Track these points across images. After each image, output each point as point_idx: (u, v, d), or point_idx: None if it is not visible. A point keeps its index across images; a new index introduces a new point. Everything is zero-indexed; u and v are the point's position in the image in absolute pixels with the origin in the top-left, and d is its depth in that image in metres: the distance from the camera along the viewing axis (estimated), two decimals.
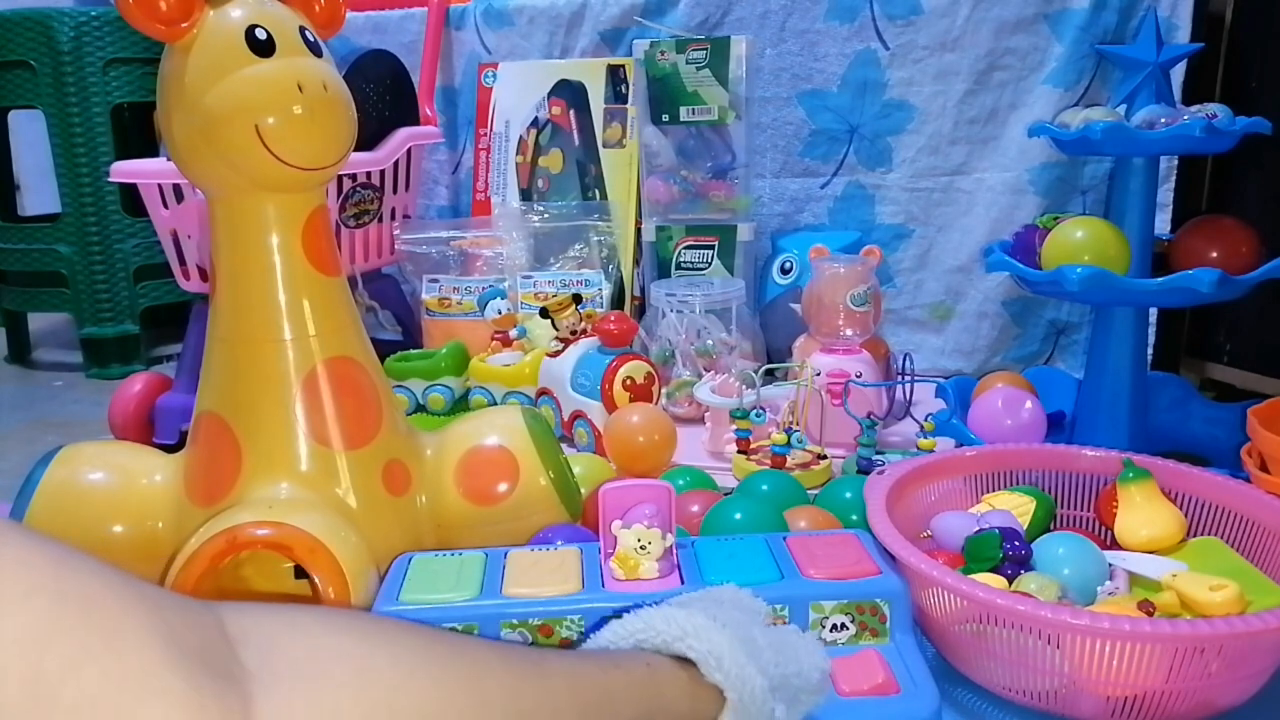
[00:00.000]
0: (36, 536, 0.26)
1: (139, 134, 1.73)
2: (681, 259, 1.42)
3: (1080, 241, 0.91)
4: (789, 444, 1.00)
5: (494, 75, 1.56)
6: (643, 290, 1.47)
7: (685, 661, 0.48)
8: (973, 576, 0.63)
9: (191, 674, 0.27)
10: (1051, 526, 0.76)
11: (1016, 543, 0.67)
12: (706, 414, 1.12)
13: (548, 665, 0.43)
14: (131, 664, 0.26)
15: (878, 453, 0.99)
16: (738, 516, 0.76)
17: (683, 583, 0.64)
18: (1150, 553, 0.71)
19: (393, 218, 1.44)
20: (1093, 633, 0.55)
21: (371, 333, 0.77)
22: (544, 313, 1.19)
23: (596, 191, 1.51)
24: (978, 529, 0.69)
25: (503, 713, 0.38)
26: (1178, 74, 1.21)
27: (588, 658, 0.48)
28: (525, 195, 1.54)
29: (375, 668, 0.34)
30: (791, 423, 1.05)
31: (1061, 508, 0.80)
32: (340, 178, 1.29)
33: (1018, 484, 0.80)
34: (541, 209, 1.49)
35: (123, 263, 1.61)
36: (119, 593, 0.27)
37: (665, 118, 1.39)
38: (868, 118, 1.40)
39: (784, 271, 1.40)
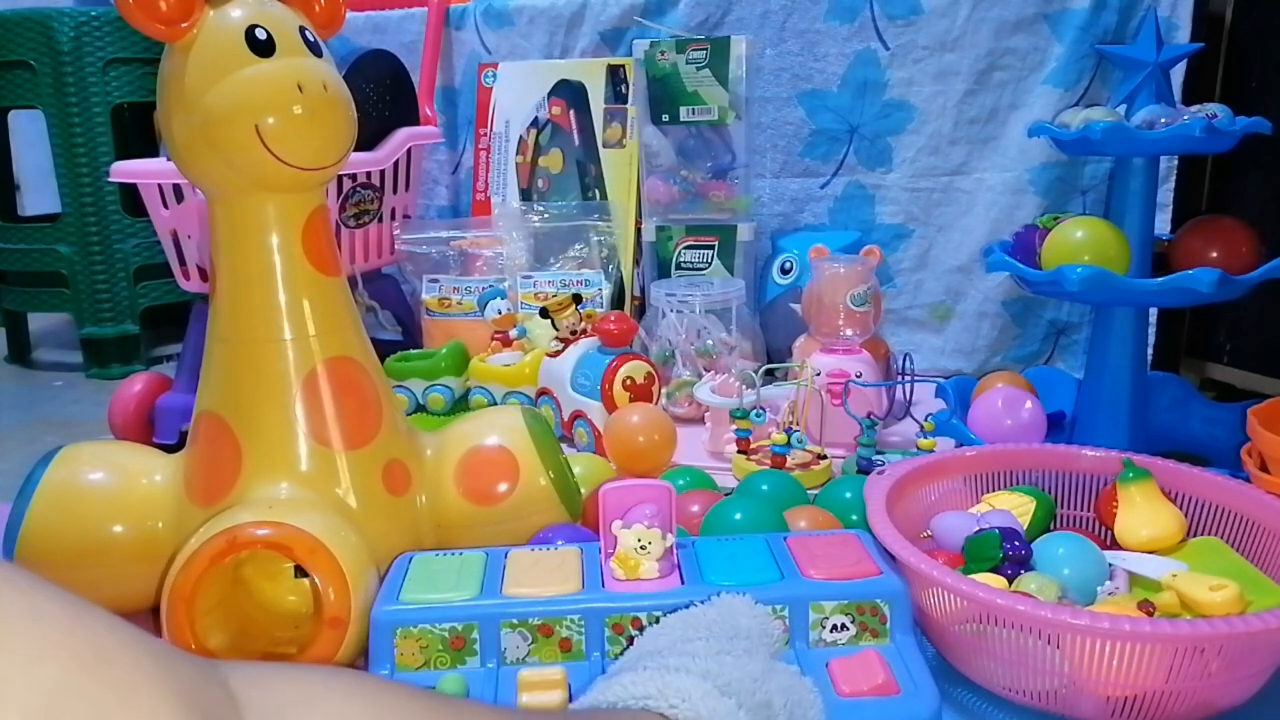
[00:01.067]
0: (50, 588, 0.26)
1: (139, 134, 1.73)
2: (681, 259, 1.42)
3: (1080, 241, 0.91)
4: (789, 444, 1.00)
5: (494, 75, 1.56)
6: (643, 290, 1.47)
7: None
8: (973, 576, 0.63)
9: None
10: (1051, 526, 0.76)
11: (1016, 543, 0.67)
12: (706, 414, 1.12)
13: None
14: None
15: (878, 453, 0.99)
16: (738, 517, 0.76)
17: (683, 583, 0.64)
18: (1150, 553, 0.71)
19: (393, 218, 1.45)
20: (1093, 633, 0.55)
21: (371, 333, 0.77)
22: (544, 313, 1.18)
23: (596, 191, 1.51)
24: (978, 529, 0.69)
25: None
26: (1178, 74, 1.21)
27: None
28: (525, 195, 1.54)
29: None
30: (791, 423, 1.05)
31: (1061, 508, 0.80)
32: (340, 178, 1.29)
33: (1018, 484, 0.80)
34: (541, 209, 1.49)
35: (123, 263, 1.61)
36: (132, 648, 0.26)
37: (665, 118, 1.39)
38: (868, 118, 1.40)
39: (784, 271, 1.40)
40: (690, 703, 0.46)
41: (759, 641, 0.55)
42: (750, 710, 0.47)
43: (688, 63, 1.36)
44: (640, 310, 1.46)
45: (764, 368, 1.07)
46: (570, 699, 0.58)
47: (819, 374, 1.06)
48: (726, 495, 0.86)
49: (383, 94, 1.40)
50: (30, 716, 0.23)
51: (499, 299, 1.29)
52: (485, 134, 1.57)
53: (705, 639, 0.54)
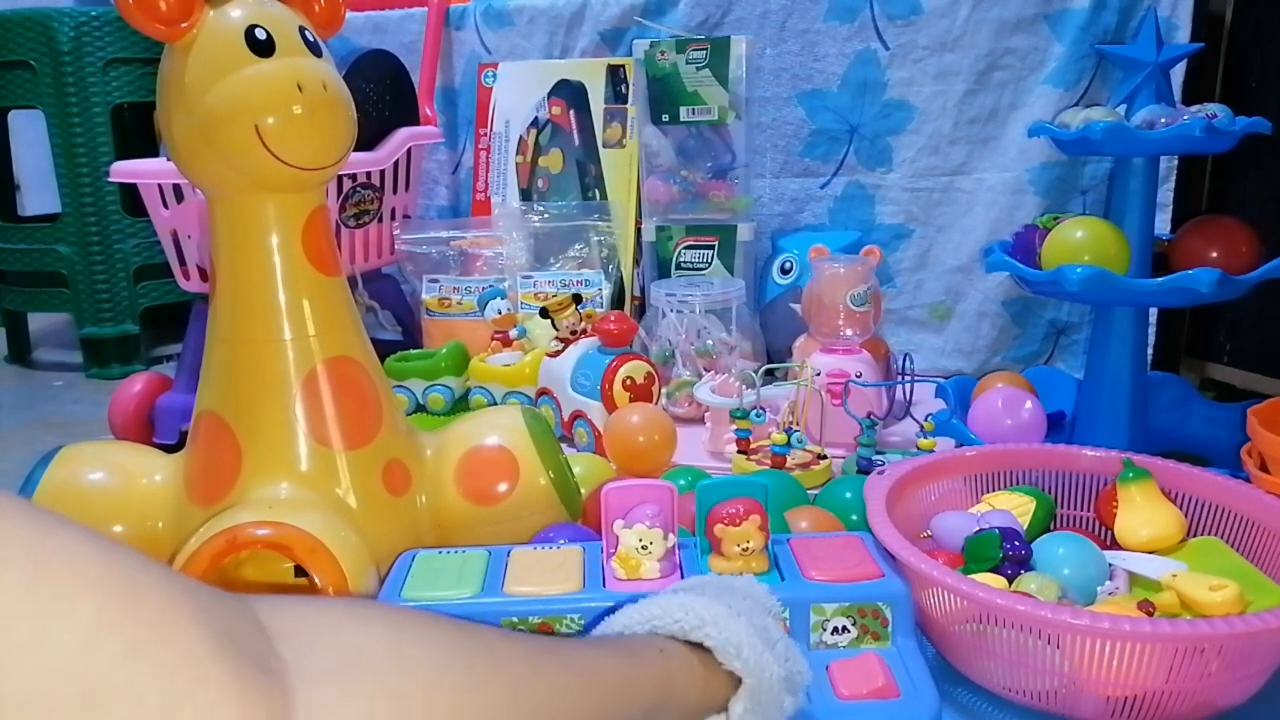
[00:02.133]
0: (82, 529, 0.27)
1: (139, 134, 1.73)
2: (681, 259, 1.42)
3: (1080, 241, 0.91)
4: (789, 444, 0.99)
5: (494, 75, 1.56)
6: (643, 290, 1.47)
7: (698, 647, 0.49)
8: (973, 576, 0.63)
9: (237, 665, 0.27)
10: (1051, 526, 0.76)
11: (1016, 543, 0.67)
12: (706, 414, 1.12)
13: (567, 655, 0.44)
14: (180, 655, 0.26)
15: (878, 453, 0.99)
16: None
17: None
18: (1150, 553, 0.71)
19: (393, 218, 1.45)
20: (1093, 633, 0.55)
21: (371, 333, 0.77)
22: (544, 313, 1.18)
23: (596, 191, 1.51)
24: (978, 529, 0.69)
25: (528, 704, 0.39)
26: (1178, 74, 1.21)
27: (604, 646, 0.48)
28: (525, 195, 1.54)
29: (408, 661, 0.34)
30: (791, 423, 1.04)
31: (1061, 508, 0.80)
32: (340, 178, 1.29)
33: (1018, 484, 0.80)
34: (541, 209, 1.49)
35: (123, 263, 1.61)
36: (163, 584, 0.27)
37: (665, 118, 1.39)
38: (868, 118, 1.40)
39: (784, 271, 1.40)
40: (694, 612, 0.48)
41: (753, 602, 0.56)
42: (752, 629, 0.49)
43: (688, 63, 1.36)
44: (640, 310, 1.46)
45: (764, 368, 1.07)
46: None
47: (819, 374, 1.06)
48: None
49: (383, 94, 1.40)
50: (69, 652, 0.24)
51: (499, 299, 1.29)
52: (485, 134, 1.57)
53: (698, 592, 0.55)
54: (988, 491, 0.80)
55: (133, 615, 0.25)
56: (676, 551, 0.66)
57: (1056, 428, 1.05)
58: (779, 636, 0.52)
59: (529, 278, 1.39)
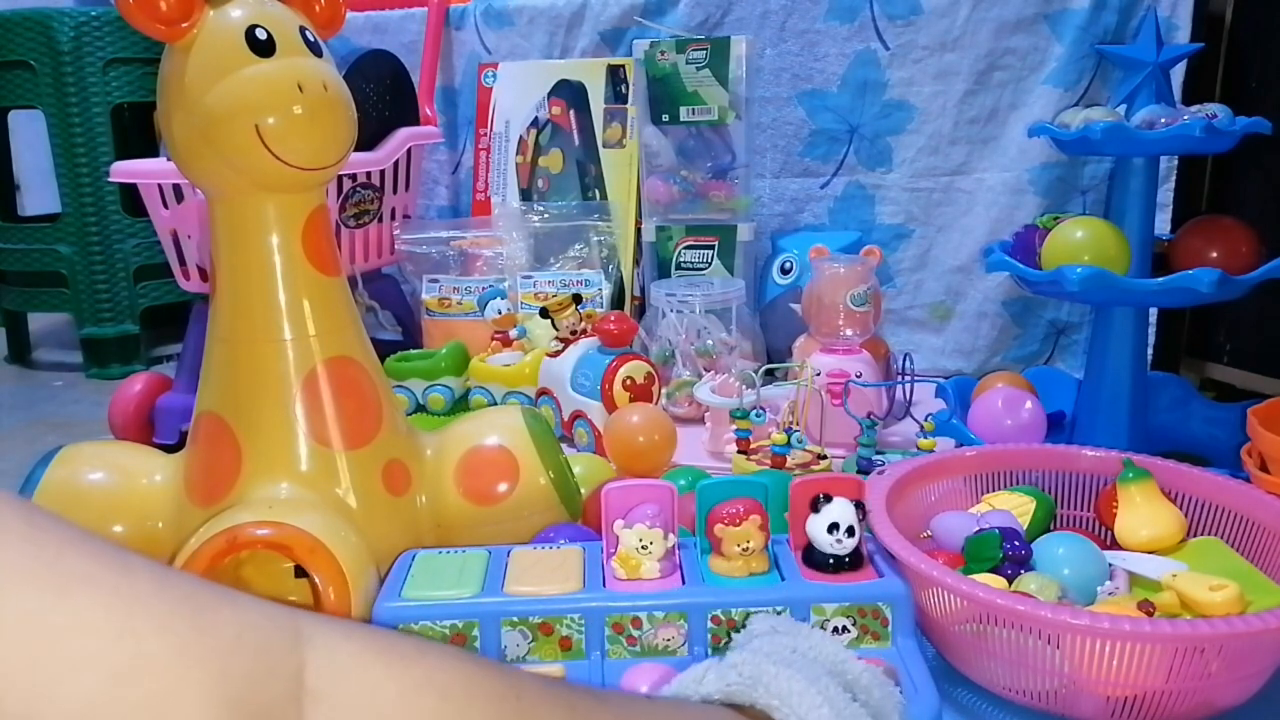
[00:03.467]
0: (107, 582, 0.25)
1: (139, 134, 1.73)
2: (681, 259, 1.42)
3: (1080, 241, 0.91)
4: (789, 444, 0.99)
5: (494, 75, 1.56)
6: (643, 290, 1.47)
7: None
8: (973, 576, 0.63)
9: None
10: (1051, 526, 0.76)
11: (1016, 543, 0.67)
12: (706, 414, 1.12)
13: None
14: None
15: (878, 453, 0.99)
16: None
17: (684, 583, 0.64)
18: (1150, 553, 0.71)
19: (393, 218, 1.45)
20: (1093, 633, 0.55)
21: (371, 333, 0.77)
22: (544, 313, 1.18)
23: (596, 191, 1.51)
24: (978, 529, 0.69)
25: None
26: (1178, 74, 1.21)
27: (654, 708, 0.43)
28: (525, 195, 1.54)
29: None
30: (791, 423, 1.04)
31: (1061, 508, 0.80)
32: (340, 178, 1.29)
33: (1018, 484, 0.80)
34: (541, 209, 1.49)
35: (123, 263, 1.61)
36: (182, 652, 0.25)
37: (665, 118, 1.39)
38: (868, 118, 1.40)
39: (784, 271, 1.40)
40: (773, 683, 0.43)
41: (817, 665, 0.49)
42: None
43: (688, 63, 1.36)
44: (640, 310, 1.46)
45: (764, 368, 1.07)
46: None
47: (819, 374, 1.06)
48: None
49: (383, 94, 1.40)
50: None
51: (499, 299, 1.29)
52: (485, 134, 1.57)
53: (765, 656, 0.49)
54: (988, 491, 0.80)
55: (131, 697, 0.24)
56: (676, 551, 0.66)
57: (1056, 428, 1.05)
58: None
59: (529, 278, 1.39)
